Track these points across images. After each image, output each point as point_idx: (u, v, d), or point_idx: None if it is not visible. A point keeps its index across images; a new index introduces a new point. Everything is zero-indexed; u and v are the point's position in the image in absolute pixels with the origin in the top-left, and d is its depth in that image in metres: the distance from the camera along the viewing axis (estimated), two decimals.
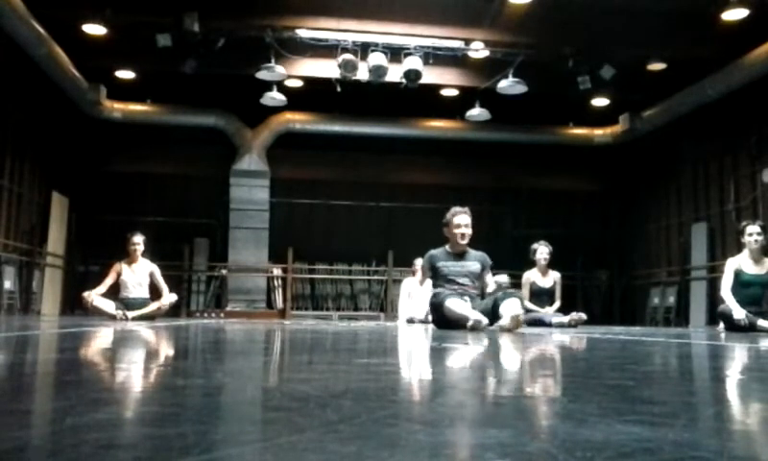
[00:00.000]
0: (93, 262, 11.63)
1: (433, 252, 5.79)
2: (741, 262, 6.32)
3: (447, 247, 5.77)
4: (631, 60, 10.10)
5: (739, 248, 6.58)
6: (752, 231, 6.31)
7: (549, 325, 7.32)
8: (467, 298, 5.37)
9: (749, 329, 5.84)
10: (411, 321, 9.01)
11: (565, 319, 7.67)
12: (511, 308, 5.00)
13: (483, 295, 5.60)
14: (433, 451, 0.72)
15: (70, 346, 2.81)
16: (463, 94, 11.33)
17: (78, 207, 12.24)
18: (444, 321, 5.36)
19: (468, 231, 5.66)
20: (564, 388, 1.44)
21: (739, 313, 5.89)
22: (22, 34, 8.38)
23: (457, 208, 5.78)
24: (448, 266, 5.61)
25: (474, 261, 5.67)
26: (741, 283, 6.19)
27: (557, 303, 8.10)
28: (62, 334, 3.82)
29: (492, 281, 5.66)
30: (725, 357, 2.62)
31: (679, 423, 0.91)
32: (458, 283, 5.52)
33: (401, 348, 3.10)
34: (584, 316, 7.80)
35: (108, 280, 7.73)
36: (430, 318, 8.53)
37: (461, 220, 5.65)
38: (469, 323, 4.91)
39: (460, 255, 5.68)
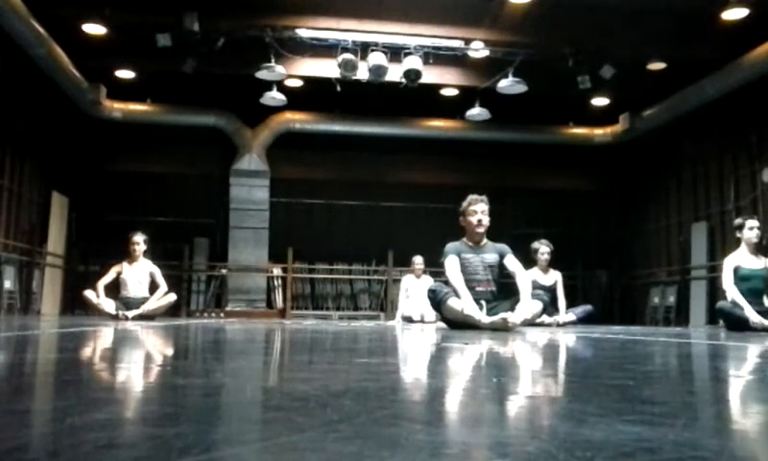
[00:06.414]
0: (93, 262, 11.63)
1: (452, 244, 5.51)
2: (739, 258, 6.41)
3: (465, 239, 5.57)
4: (631, 60, 10.10)
5: (738, 246, 6.62)
6: (752, 225, 6.46)
7: (548, 325, 7.33)
8: (482, 302, 5.18)
9: (749, 329, 5.86)
10: (409, 320, 9.02)
11: (560, 319, 7.73)
12: (520, 309, 5.02)
13: (511, 286, 5.40)
14: (433, 451, 0.72)
15: (70, 346, 2.81)
16: (463, 94, 11.33)
17: (78, 207, 12.24)
18: (447, 320, 5.34)
19: (486, 220, 5.48)
20: (564, 388, 1.44)
21: (754, 316, 5.93)
22: (22, 34, 8.38)
23: (474, 196, 5.59)
24: (468, 258, 5.40)
25: (492, 252, 5.47)
26: (741, 278, 6.27)
27: (562, 304, 8.10)
28: (62, 334, 3.82)
29: (519, 270, 5.39)
30: (725, 357, 2.62)
31: (679, 423, 0.91)
32: (476, 280, 5.32)
33: (401, 348, 3.10)
34: (567, 319, 7.84)
35: (110, 275, 7.77)
36: (426, 318, 8.59)
37: (478, 207, 5.48)
38: (474, 320, 4.92)
39: (478, 247, 5.49)
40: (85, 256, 12.17)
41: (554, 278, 8.22)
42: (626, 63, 10.04)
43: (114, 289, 7.80)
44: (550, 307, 7.19)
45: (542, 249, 8.17)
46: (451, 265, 5.31)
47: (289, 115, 12.24)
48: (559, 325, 7.52)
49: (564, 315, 7.96)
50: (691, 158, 11.78)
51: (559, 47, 9.81)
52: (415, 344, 3.43)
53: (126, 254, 7.96)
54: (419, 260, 9.52)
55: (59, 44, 9.16)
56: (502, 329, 4.69)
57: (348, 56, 9.65)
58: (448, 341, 3.38)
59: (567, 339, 3.86)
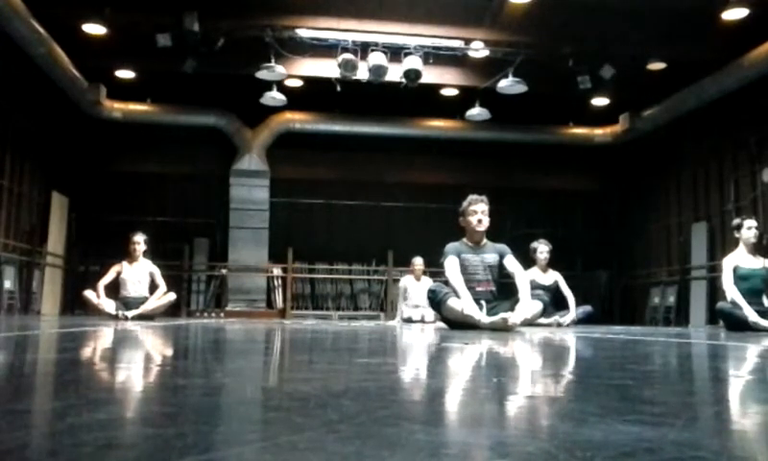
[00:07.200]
0: (93, 262, 11.64)
1: (452, 244, 5.52)
2: (737, 258, 6.44)
3: (465, 239, 5.58)
4: (631, 60, 10.09)
5: (736, 246, 6.64)
6: (750, 225, 6.51)
7: (548, 325, 7.33)
8: (482, 302, 5.17)
9: (749, 329, 5.87)
10: (409, 320, 9.01)
11: (563, 318, 7.73)
12: (520, 309, 5.02)
13: (510, 286, 5.40)
14: (433, 451, 0.72)
15: (70, 346, 2.81)
16: (463, 94, 11.33)
17: (78, 207, 12.24)
18: (447, 321, 5.34)
19: (486, 220, 5.49)
20: (564, 388, 1.44)
21: (753, 316, 5.94)
22: (22, 34, 8.38)
23: (474, 196, 5.61)
24: (468, 259, 5.40)
25: (492, 253, 5.47)
26: (740, 278, 6.29)
27: (571, 301, 8.06)
28: (62, 334, 3.82)
29: (519, 271, 5.39)
30: (725, 357, 2.62)
31: (679, 423, 0.91)
32: (475, 280, 5.33)
33: (401, 348, 3.10)
34: (566, 320, 7.82)
35: (110, 274, 7.78)
36: (426, 318, 8.58)
37: (478, 207, 5.50)
38: (473, 320, 4.92)
39: (478, 247, 5.49)
40: (85, 256, 12.17)
41: (553, 277, 8.21)
42: (626, 63, 10.04)
43: (114, 289, 7.80)
44: (550, 307, 7.19)
45: (541, 248, 8.18)
46: (451, 265, 5.31)
47: (289, 115, 12.24)
48: (559, 325, 7.52)
49: (573, 313, 7.94)
50: (691, 158, 11.78)
51: (559, 47, 9.81)
52: (415, 344, 3.43)
53: (126, 254, 7.97)
54: (419, 261, 9.49)
55: (59, 44, 9.16)
56: (502, 329, 4.69)
57: (348, 56, 9.65)
58: (448, 341, 3.38)
59: (567, 339, 3.86)
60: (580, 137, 13.02)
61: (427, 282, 8.55)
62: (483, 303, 5.19)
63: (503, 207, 13.51)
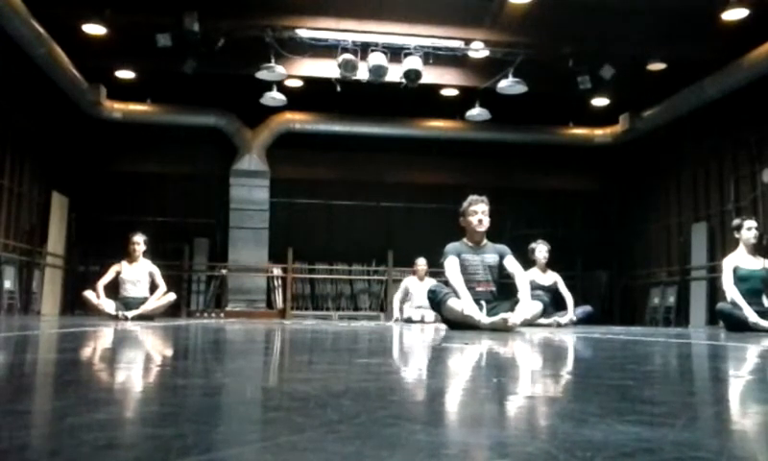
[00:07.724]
0: (93, 262, 11.63)
1: (452, 244, 5.52)
2: (737, 259, 6.43)
3: (465, 239, 5.58)
4: (631, 60, 10.09)
5: (736, 247, 6.64)
6: (750, 226, 6.51)
7: (548, 325, 7.33)
8: (482, 303, 5.17)
9: (749, 329, 5.87)
10: (409, 320, 9.02)
11: (561, 319, 7.73)
12: (520, 310, 5.01)
13: (510, 287, 5.42)
14: (433, 451, 0.72)
15: (70, 346, 2.81)
16: (463, 94, 11.33)
17: (78, 207, 12.24)
18: (447, 321, 5.34)
19: (486, 220, 5.50)
20: (564, 388, 1.44)
21: (753, 317, 5.94)
22: (22, 34, 8.38)
23: (474, 196, 5.62)
24: (468, 259, 5.40)
25: (492, 253, 5.48)
26: (740, 278, 6.29)
27: (570, 301, 8.07)
28: (62, 334, 3.82)
29: (519, 271, 5.40)
30: (725, 357, 2.62)
31: (679, 423, 0.91)
32: (476, 280, 5.33)
33: (401, 348, 3.09)
34: (563, 320, 7.81)
35: (110, 274, 7.78)
36: (426, 318, 8.58)
37: (478, 207, 5.50)
38: (473, 321, 4.92)
39: (478, 247, 5.50)
40: (85, 257, 12.16)
41: (553, 278, 8.22)
42: (626, 63, 10.03)
43: (114, 289, 7.80)
44: (550, 308, 7.19)
45: (540, 248, 8.20)
46: (451, 266, 5.31)
47: (289, 115, 12.24)
48: (559, 325, 7.52)
49: (571, 313, 7.95)
50: (691, 158, 11.77)
51: (559, 47, 9.81)
52: (415, 344, 3.43)
53: (126, 255, 7.97)
54: (422, 262, 9.50)
55: (59, 44, 9.16)
56: (502, 330, 4.69)
57: (348, 56, 9.65)
58: (448, 341, 3.38)
59: (567, 339, 3.86)
60: (580, 138, 13.02)
61: (430, 283, 8.55)
62: (483, 303, 5.19)
63: (503, 207, 13.51)
